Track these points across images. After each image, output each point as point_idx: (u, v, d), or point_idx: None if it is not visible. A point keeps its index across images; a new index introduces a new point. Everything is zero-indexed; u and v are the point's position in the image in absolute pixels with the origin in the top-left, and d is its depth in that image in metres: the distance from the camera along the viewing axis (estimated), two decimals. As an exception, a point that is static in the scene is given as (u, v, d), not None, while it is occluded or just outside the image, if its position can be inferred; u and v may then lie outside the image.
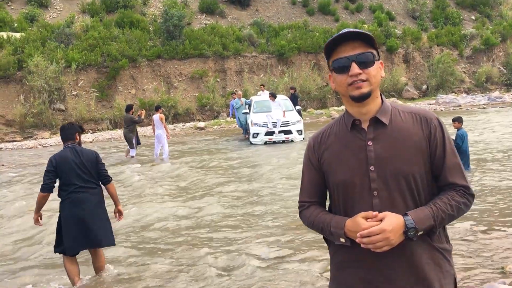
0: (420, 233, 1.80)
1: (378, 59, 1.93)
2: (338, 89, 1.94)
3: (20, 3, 31.40)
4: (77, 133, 5.06)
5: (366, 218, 1.81)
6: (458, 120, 8.86)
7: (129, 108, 14.87)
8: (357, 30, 1.87)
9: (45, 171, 4.86)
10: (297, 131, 16.10)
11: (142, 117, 15.12)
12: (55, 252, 5.02)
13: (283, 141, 15.94)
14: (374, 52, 1.91)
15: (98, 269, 5.12)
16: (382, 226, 1.75)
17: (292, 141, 15.93)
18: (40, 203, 4.90)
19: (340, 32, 1.87)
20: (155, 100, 25.28)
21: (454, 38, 35.75)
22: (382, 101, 1.96)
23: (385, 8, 38.71)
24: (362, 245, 1.78)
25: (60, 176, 4.87)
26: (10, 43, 26.19)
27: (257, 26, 32.83)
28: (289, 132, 15.98)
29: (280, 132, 15.92)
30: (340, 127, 2.00)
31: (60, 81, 24.95)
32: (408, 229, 1.77)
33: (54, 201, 5.15)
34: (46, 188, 4.81)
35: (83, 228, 4.80)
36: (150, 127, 20.71)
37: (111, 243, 5.10)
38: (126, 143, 15.26)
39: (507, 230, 5.73)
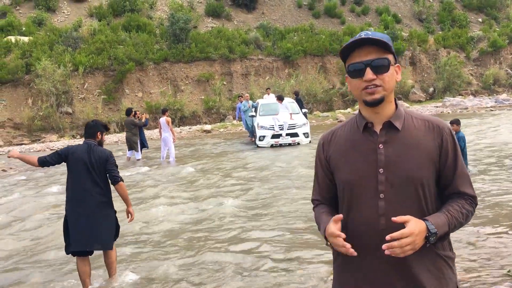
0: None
1: (395, 64, 1.94)
2: (353, 92, 1.97)
3: (28, 7, 31.66)
4: (99, 132, 5.08)
5: (337, 221, 1.86)
6: (456, 123, 8.85)
7: (129, 111, 14.98)
8: (374, 37, 1.87)
9: (56, 151, 4.97)
10: (304, 133, 16.07)
11: (143, 120, 15.11)
12: (66, 253, 5.00)
13: (290, 144, 15.94)
14: (390, 57, 1.91)
15: (108, 265, 5.08)
16: (411, 230, 1.74)
17: (298, 144, 15.91)
18: (28, 160, 4.96)
19: (356, 37, 1.88)
20: (161, 103, 25.39)
21: (461, 41, 35.64)
22: (397, 106, 1.98)
23: (392, 11, 38.67)
24: (386, 251, 1.74)
25: (69, 170, 4.89)
26: (18, 47, 26.41)
27: (263, 29, 32.90)
28: (295, 135, 15.96)
29: (286, 134, 15.90)
30: (352, 128, 2.02)
31: (68, 84, 25.13)
32: (431, 234, 1.78)
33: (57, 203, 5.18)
34: (42, 161, 4.87)
35: (82, 226, 4.77)
36: (157, 130, 20.78)
37: (106, 247, 4.98)
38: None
39: (514, 233, 5.72)
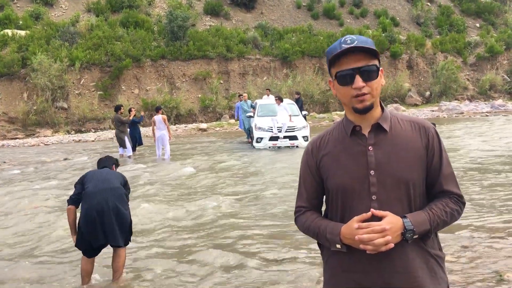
0: (415, 236, 1.83)
1: (380, 68, 1.93)
2: (341, 99, 1.95)
3: (25, 1, 31.53)
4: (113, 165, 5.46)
5: (362, 221, 1.82)
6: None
7: (117, 108, 14.92)
8: (364, 45, 1.84)
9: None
10: (303, 137, 15.41)
11: (131, 118, 14.97)
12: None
13: (287, 147, 15.43)
14: (377, 63, 1.90)
15: (113, 269, 5.03)
16: (382, 224, 1.78)
17: (297, 147, 15.23)
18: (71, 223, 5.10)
19: (347, 47, 1.84)
20: (158, 101, 25.36)
21: (458, 45, 35.79)
22: (383, 108, 1.99)
23: (390, 14, 38.78)
24: (361, 246, 1.79)
25: None
26: (14, 40, 26.31)
27: (262, 29, 32.91)
28: (294, 137, 15.36)
29: (285, 137, 15.34)
30: (339, 132, 2.02)
31: (64, 79, 25.05)
32: (407, 231, 1.80)
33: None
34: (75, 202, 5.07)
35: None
36: (151, 127, 20.68)
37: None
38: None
39: (506, 238, 5.73)
